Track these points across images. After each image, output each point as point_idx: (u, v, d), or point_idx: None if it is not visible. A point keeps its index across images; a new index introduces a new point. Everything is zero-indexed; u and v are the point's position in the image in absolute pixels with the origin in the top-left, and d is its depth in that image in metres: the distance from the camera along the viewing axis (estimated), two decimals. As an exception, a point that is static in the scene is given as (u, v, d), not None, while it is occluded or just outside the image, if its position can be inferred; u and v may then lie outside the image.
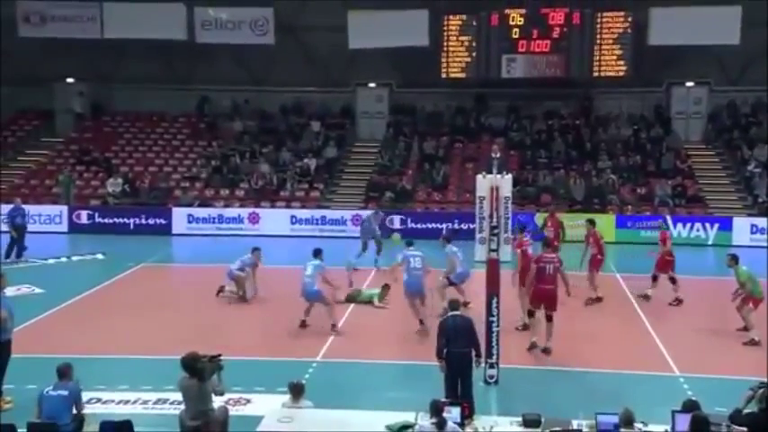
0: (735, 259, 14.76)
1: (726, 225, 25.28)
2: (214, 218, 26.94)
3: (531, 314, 14.36)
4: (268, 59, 31.97)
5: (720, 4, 27.64)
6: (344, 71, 31.95)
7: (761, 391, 9.53)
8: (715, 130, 30.38)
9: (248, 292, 17.69)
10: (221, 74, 32.30)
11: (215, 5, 30.70)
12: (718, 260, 21.83)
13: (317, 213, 26.98)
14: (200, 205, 27.75)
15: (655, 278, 17.84)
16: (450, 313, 11.64)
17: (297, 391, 10.11)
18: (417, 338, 15.29)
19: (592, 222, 19.17)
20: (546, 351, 13.92)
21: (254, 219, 26.70)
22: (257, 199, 28.17)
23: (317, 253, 15.94)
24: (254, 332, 15.71)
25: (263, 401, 11.39)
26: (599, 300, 17.60)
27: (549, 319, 13.98)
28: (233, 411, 10.71)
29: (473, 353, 11.24)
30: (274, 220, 26.72)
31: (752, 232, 24.95)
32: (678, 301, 17.43)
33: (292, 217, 26.89)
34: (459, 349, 11.20)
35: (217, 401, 9.90)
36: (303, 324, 15.44)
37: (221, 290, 17.76)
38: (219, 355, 9.85)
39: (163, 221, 27.00)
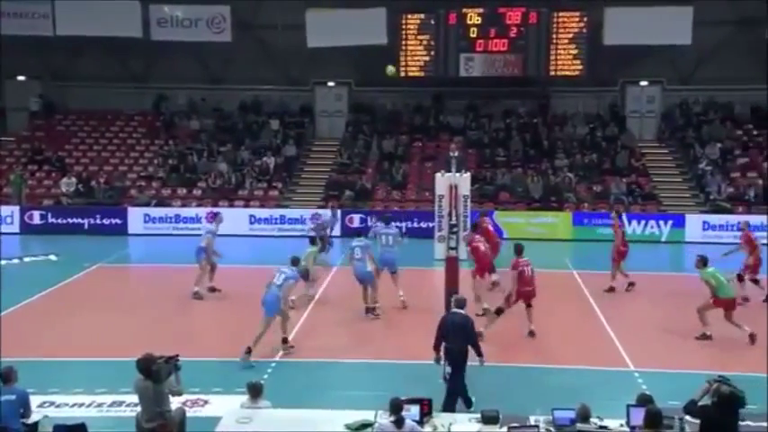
0: (703, 261, 14.89)
1: (679, 222, 25.66)
2: (171, 217, 26.63)
3: (499, 312, 14.49)
4: (226, 57, 31.74)
5: (672, 5, 28.01)
6: (303, 69, 31.81)
7: (715, 384, 9.70)
8: (668, 129, 30.85)
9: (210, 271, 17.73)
10: (178, 72, 31.99)
11: (171, 3, 30.30)
12: (671, 256, 22.29)
13: (276, 212, 26.84)
14: (156, 205, 27.42)
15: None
16: (453, 311, 11.73)
17: (255, 391, 10.04)
18: (376, 336, 15.32)
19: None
20: (531, 334, 14.62)
21: (212, 218, 26.37)
22: (215, 198, 27.92)
23: (296, 262, 14.96)
24: (212, 332, 15.63)
25: (221, 402, 11.30)
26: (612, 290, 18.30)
27: (529, 305, 14.69)
28: (190, 412, 10.62)
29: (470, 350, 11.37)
30: (233, 219, 26.27)
31: (704, 229, 25.35)
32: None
33: (251, 216, 26.72)
34: (456, 346, 11.36)
35: (174, 402, 9.80)
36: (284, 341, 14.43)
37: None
38: (177, 356, 9.74)
39: (118, 221, 26.65)
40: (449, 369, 12.36)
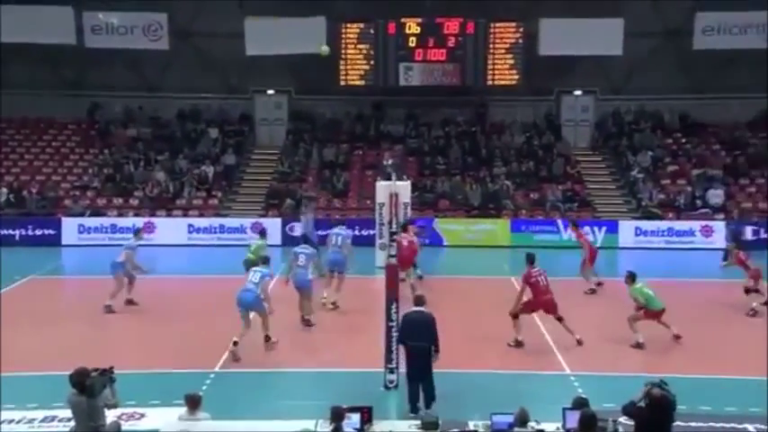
0: (631, 278, 15.22)
1: (612, 228, 26.08)
2: (107, 227, 26.06)
3: (516, 316, 14.89)
4: (163, 65, 31.31)
5: (604, 17, 28.58)
6: (242, 77, 31.60)
7: (647, 387, 9.89)
8: (601, 137, 31.41)
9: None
10: (113, 79, 31.37)
11: (105, 10, 29.74)
12: (605, 262, 22.62)
13: (216, 222, 26.56)
14: (91, 215, 26.82)
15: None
16: (413, 309, 11.82)
17: (193, 403, 9.85)
18: (318, 345, 15.24)
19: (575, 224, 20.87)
20: (579, 342, 14.72)
21: (149, 228, 25.89)
22: (153, 207, 27.45)
23: (266, 260, 15.43)
24: (149, 344, 15.27)
25: (158, 415, 11.03)
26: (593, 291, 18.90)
27: (560, 320, 14.83)
28: (126, 426, 10.40)
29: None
30: (171, 229, 26.10)
31: (636, 234, 25.95)
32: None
33: (190, 226, 26.38)
34: (417, 343, 11.45)
35: (109, 416, 9.58)
36: (267, 338, 14.71)
37: None
38: (111, 368, 9.52)
39: (52, 232, 26.01)
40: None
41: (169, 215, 27.09)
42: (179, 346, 14.96)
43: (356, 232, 24.90)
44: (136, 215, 26.83)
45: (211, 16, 30.25)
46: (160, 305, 17.58)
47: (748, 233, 24.79)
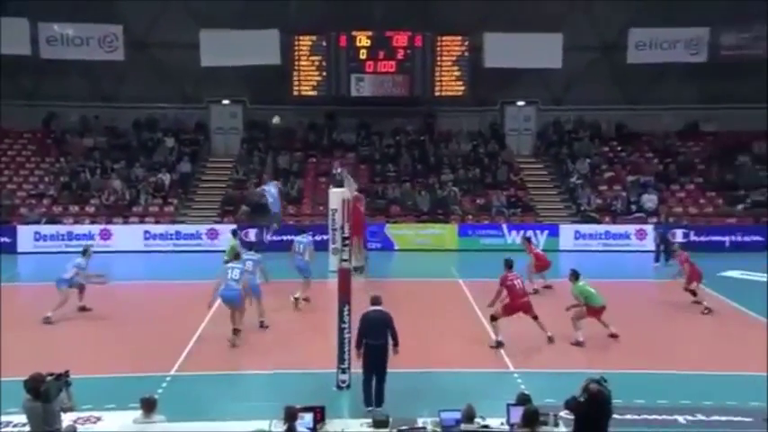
0: (574, 276, 15.49)
1: (554, 231, 26.38)
2: (63, 235, 25.49)
3: (495, 319, 14.96)
4: (119, 75, 30.79)
5: (544, 32, 28.97)
6: (198, 88, 31.28)
7: (585, 383, 10.03)
8: (543, 145, 31.78)
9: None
10: (69, 89, 30.78)
11: (61, 21, 29.14)
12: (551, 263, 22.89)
13: (172, 228, 26.19)
14: (47, 222, 26.23)
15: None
16: (371, 308, 11.85)
17: (148, 405, 9.70)
18: (272, 348, 15.11)
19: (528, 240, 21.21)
20: (550, 340, 14.90)
21: (105, 235, 25.57)
22: (109, 215, 26.98)
23: (238, 256, 15.97)
24: (105, 349, 14.99)
25: (113, 418, 10.77)
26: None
27: (535, 318, 15.02)
28: (82, 429, 10.16)
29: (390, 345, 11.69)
30: (127, 235, 25.69)
31: (575, 238, 26.29)
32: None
33: (146, 232, 25.98)
34: (376, 341, 11.53)
35: (65, 420, 9.37)
36: (236, 331, 14.97)
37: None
38: (67, 372, 9.33)
39: (7, 240, 25.33)
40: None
41: (125, 222, 26.66)
42: (135, 351, 14.72)
43: (310, 237, 24.97)
44: (92, 222, 26.37)
45: (167, 28, 29.91)
46: (116, 310, 17.28)
47: (678, 236, 25.30)
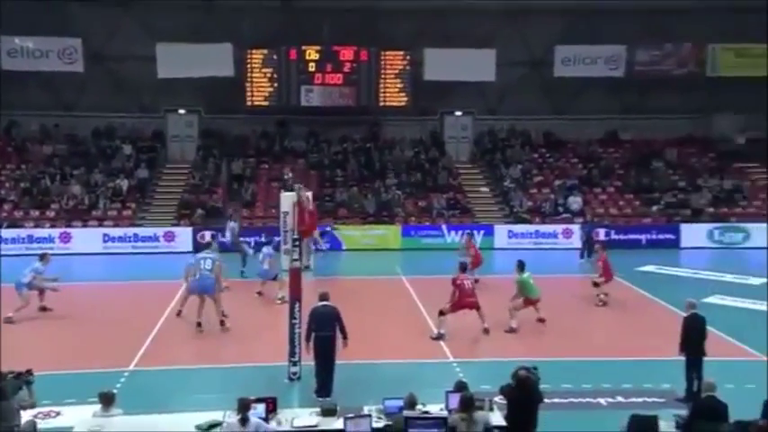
0: (520, 267, 15.92)
1: (489, 231, 26.53)
2: (23, 238, 24.71)
3: (442, 314, 15.07)
4: (78, 86, 30.04)
5: (479, 48, 29.20)
6: (155, 98, 30.70)
7: (515, 370, 10.17)
8: (479, 152, 31.98)
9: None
10: (30, 99, 29.83)
11: (22, 35, 28.28)
12: (484, 261, 23.09)
13: (130, 231, 25.65)
14: (8, 227, 25.38)
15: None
16: (319, 303, 11.94)
17: (106, 400, 9.50)
18: (226, 343, 14.94)
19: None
20: (486, 331, 15.06)
21: (65, 238, 24.93)
22: (69, 219, 26.27)
23: (209, 245, 16.32)
24: (65, 346, 14.64)
25: (73, 413, 10.60)
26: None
27: (478, 309, 15.15)
28: (42, 424, 9.95)
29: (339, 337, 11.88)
30: (86, 238, 25.06)
31: (509, 237, 26.51)
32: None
33: (105, 235, 25.38)
34: (324, 333, 11.64)
35: (26, 416, 9.13)
36: (199, 324, 15.19)
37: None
38: (29, 371, 9.11)
39: (-33, 244, 24.50)
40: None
41: (85, 226, 25.97)
42: (94, 348, 14.43)
43: (263, 239, 24.72)
44: (52, 226, 25.65)
45: (124, 41, 29.30)
46: (76, 310, 16.86)
47: (601, 234, 25.79)
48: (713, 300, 18.25)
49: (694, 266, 23.14)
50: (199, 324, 15.25)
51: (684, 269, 22.90)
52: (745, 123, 31.91)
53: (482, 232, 26.40)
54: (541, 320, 15.73)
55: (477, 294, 15.42)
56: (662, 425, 10.00)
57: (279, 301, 17.45)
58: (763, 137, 31.60)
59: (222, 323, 15.35)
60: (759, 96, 30.61)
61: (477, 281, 19.50)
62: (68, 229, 25.31)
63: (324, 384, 11.70)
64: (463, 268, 15.74)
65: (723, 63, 30.25)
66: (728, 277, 21.30)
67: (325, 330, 11.72)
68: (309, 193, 22.54)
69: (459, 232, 25.88)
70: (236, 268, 19.70)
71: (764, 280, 21.22)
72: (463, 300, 15.04)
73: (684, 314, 12.27)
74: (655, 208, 28.37)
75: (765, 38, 29.51)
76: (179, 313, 16.21)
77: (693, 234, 26.71)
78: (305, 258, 19.35)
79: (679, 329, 12.02)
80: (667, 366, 12.61)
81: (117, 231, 25.60)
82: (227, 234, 21.93)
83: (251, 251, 21.23)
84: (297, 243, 13.69)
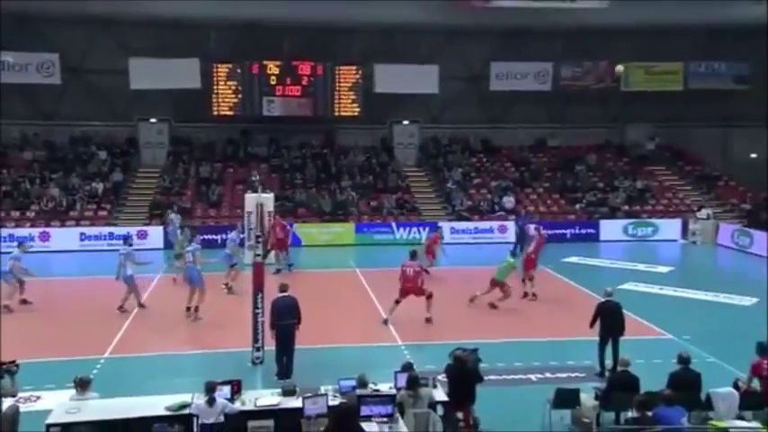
0: (513, 254, 16.60)
1: (434, 228, 26.35)
2: (5, 237, 23.70)
3: (398, 302, 14.97)
4: (56, 97, 29.20)
5: (423, 64, 29.35)
6: (128, 107, 30.03)
7: (453, 351, 10.27)
8: (424, 157, 32.12)
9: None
10: (11, 109, 28.69)
11: (2, 50, 27.18)
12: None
13: (105, 230, 25.00)
14: (-10, 226, 24.64)
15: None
16: (280, 294, 11.83)
17: (83, 384, 9.29)
18: (195, 332, 14.73)
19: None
20: (428, 320, 14.83)
21: (44, 237, 24.21)
22: (48, 219, 25.52)
23: (194, 237, 16.24)
24: (45, 336, 14.24)
25: (52, 397, 10.32)
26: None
27: (428, 297, 14.90)
28: (24, 408, 9.64)
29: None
30: (64, 237, 24.38)
31: (451, 233, 26.56)
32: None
33: (81, 234, 24.72)
34: (285, 322, 11.57)
35: (8, 402, 8.85)
36: (189, 309, 15.19)
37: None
38: (14, 362, 8.87)
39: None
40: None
41: (63, 225, 25.26)
42: (72, 337, 14.09)
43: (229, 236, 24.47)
44: (32, 226, 24.88)
45: (99, 56, 28.60)
46: (54, 303, 16.47)
47: (531, 230, 26.10)
48: (628, 286, 18.70)
49: (612, 257, 23.69)
50: (188, 309, 15.26)
51: (603, 260, 23.39)
52: (653, 131, 32.82)
53: (428, 229, 26.40)
54: (493, 306, 16.02)
55: (428, 285, 15.46)
56: (583, 397, 10.24)
57: (223, 287, 17.35)
58: (669, 143, 32.59)
59: (195, 310, 15.24)
60: (666, 108, 31.65)
61: (426, 271, 19.50)
62: (47, 229, 24.59)
63: (284, 368, 11.65)
64: (412, 255, 15.48)
65: (635, 79, 30.98)
66: (641, 266, 21.77)
67: (285, 319, 11.66)
68: (271, 195, 22.58)
69: (408, 228, 26.19)
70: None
71: (671, 268, 21.95)
72: (404, 285, 14.92)
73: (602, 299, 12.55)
74: (577, 206, 28.83)
75: (671, 57, 30.47)
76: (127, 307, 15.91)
77: (610, 229, 27.20)
78: (278, 263, 19.52)
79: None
80: (588, 346, 12.82)
81: (93, 230, 24.96)
82: (170, 227, 21.74)
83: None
84: (259, 239, 13.53)
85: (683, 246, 26.59)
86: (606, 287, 12.78)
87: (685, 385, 9.97)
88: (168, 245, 22.77)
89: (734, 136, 32.91)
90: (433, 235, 21.60)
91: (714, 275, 21.68)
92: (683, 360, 10.30)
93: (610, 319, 12.05)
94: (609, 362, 11.95)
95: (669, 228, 27.42)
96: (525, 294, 17.36)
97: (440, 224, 25.05)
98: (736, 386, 10.29)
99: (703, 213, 27.51)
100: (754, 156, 33.10)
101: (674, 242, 26.90)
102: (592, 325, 12.20)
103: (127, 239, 17.21)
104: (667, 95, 30.91)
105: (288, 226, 19.92)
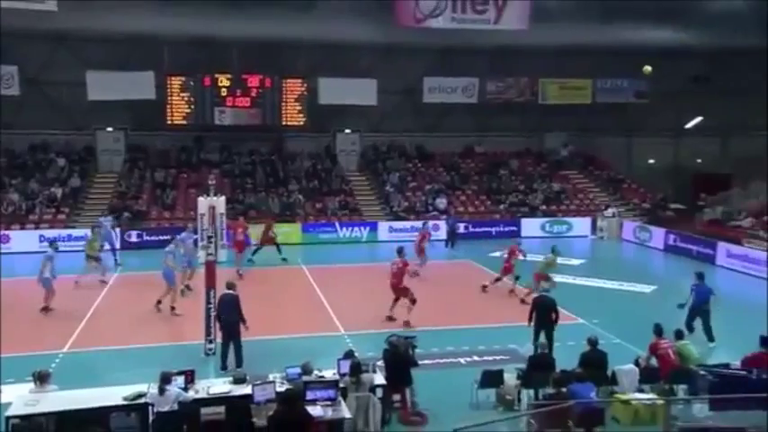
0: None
1: (374, 227, 26.63)
2: (-33, 240, 22.83)
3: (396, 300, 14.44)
4: (16, 107, 27.63)
5: (363, 78, 29.22)
6: (86, 117, 28.84)
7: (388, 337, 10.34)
8: (365, 163, 32.03)
9: None
10: (-31, 117, 27.49)
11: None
12: (369, 252, 23.27)
13: (64, 232, 23.92)
14: (-49, 230, 23.35)
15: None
16: (226, 291, 11.60)
17: (42, 378, 8.95)
18: (150, 326, 14.32)
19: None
20: (406, 323, 13.99)
21: (5, 239, 23.09)
22: (8, 222, 24.32)
23: (173, 239, 16.09)
24: (5, 333, 13.57)
25: (12, 390, 9.83)
26: None
27: (412, 302, 14.15)
28: (-16, 403, 9.19)
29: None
30: (24, 239, 23.27)
31: (389, 231, 26.55)
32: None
33: (41, 236, 23.54)
34: (227, 317, 11.42)
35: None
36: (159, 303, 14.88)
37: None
38: None
39: None
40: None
41: (22, 228, 24.16)
42: (32, 334, 13.51)
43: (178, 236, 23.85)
44: (-8, 229, 23.74)
45: (57, 68, 27.38)
46: (15, 301, 15.68)
47: (461, 228, 26.54)
48: (545, 277, 19.13)
49: (531, 252, 24.00)
50: (172, 308, 14.89)
51: None
52: (567, 140, 33.70)
53: (368, 228, 26.51)
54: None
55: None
56: (506, 377, 10.49)
57: (183, 288, 16.74)
58: (580, 151, 33.56)
59: (157, 304, 14.98)
60: (578, 119, 32.61)
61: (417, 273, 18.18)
62: (7, 232, 23.45)
63: (235, 359, 11.40)
64: (398, 252, 14.90)
65: (550, 93, 31.80)
66: (557, 260, 22.26)
67: (229, 315, 11.43)
68: (222, 198, 22.18)
69: (350, 228, 26.08)
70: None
71: (582, 261, 22.60)
72: (390, 281, 14.45)
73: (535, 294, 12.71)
74: (501, 206, 29.23)
75: (581, 75, 31.43)
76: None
77: (530, 226, 27.69)
78: (238, 266, 19.08)
79: (520, 303, 12.42)
80: (512, 331, 13.13)
81: (52, 232, 23.75)
82: (106, 227, 21.06)
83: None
84: (211, 239, 13.27)
85: (593, 241, 27.41)
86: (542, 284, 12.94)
87: (594, 364, 10.34)
88: (125, 245, 22.11)
89: (635, 144, 34.19)
90: (421, 233, 20.77)
91: (619, 266, 22.36)
92: (592, 342, 10.68)
93: (544, 313, 12.06)
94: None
95: (581, 225, 28.20)
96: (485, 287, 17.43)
97: (429, 222, 23.85)
98: (636, 363, 10.75)
99: (609, 212, 28.44)
100: (652, 161, 34.56)
101: (584, 237, 27.70)
102: (530, 319, 12.08)
103: (52, 243, 16.56)
104: (578, 108, 31.81)
105: (247, 228, 19.43)
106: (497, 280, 17.44)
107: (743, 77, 30.12)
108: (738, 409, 9.40)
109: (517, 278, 16.87)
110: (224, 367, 11.10)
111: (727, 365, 10.76)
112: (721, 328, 13.30)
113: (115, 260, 20.52)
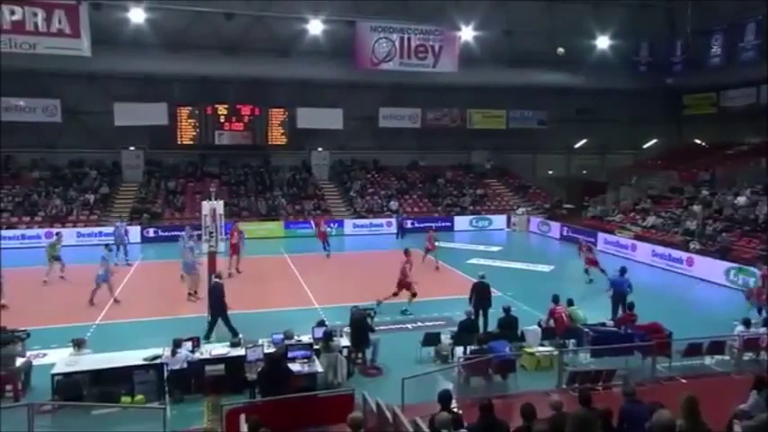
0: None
1: (341, 224, 26.52)
2: (18, 236, 21.98)
3: (414, 294, 13.28)
4: (58, 131, 26.81)
5: (331, 108, 29.07)
6: (113, 139, 27.97)
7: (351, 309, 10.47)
8: (334, 174, 31.74)
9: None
10: (23, 140, 26.31)
11: (14, 96, 24.99)
12: (336, 244, 23.14)
13: (96, 229, 23.42)
14: (7, 228, 22.47)
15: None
16: (215, 280, 11.35)
17: (79, 343, 8.91)
18: (169, 304, 14.12)
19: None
20: (378, 302, 12.85)
21: (49, 235, 22.22)
22: (51, 222, 23.58)
23: (192, 237, 15.59)
24: (52, 308, 13.26)
25: (56, 354, 9.76)
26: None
27: (413, 295, 13.14)
28: (35, 362, 9.07)
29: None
30: (65, 235, 22.31)
31: (353, 227, 26.54)
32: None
33: (78, 233, 23.02)
34: (214, 302, 11.12)
35: (20, 360, 8.33)
36: (190, 294, 14.01)
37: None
38: (25, 330, 8.37)
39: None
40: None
41: (63, 226, 23.33)
42: (71, 309, 13.21)
43: (192, 233, 23.38)
44: (39, 227, 22.94)
45: (91, 101, 26.64)
46: (59, 282, 15.30)
47: (408, 223, 26.77)
48: (473, 261, 19.34)
49: (462, 242, 24.42)
50: (189, 294, 14.11)
51: (457, 243, 23.87)
52: (489, 156, 34.23)
53: (336, 225, 26.40)
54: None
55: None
56: (442, 338, 10.79)
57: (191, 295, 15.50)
58: (498, 164, 34.16)
59: (189, 295, 14.10)
60: (496, 140, 33.23)
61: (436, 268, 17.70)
62: (51, 230, 22.64)
63: (229, 330, 10.98)
64: (405, 252, 13.76)
65: (476, 120, 32.24)
66: (481, 247, 22.51)
67: (212, 298, 11.17)
68: (221, 202, 21.91)
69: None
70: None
71: (500, 248, 23.08)
72: (401, 279, 13.30)
73: (474, 280, 12.34)
74: (439, 207, 29.41)
75: (498, 106, 32.06)
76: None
77: (461, 222, 27.98)
78: (233, 266, 18.43)
79: (455, 281, 12.45)
80: (447, 303, 13.31)
81: (87, 230, 23.32)
82: (119, 230, 20.16)
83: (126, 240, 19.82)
84: (212, 234, 13.21)
85: (508, 233, 27.90)
86: (480, 272, 12.59)
87: (508, 326, 10.75)
88: (146, 240, 21.59)
89: (538, 159, 35.02)
90: (430, 233, 19.04)
91: (527, 252, 22.80)
92: (506, 310, 11.10)
93: (481, 295, 11.78)
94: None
95: (499, 221, 28.60)
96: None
97: (433, 225, 23.14)
98: (539, 325, 11.20)
99: (520, 211, 29.08)
100: (551, 172, 35.51)
101: (501, 230, 28.17)
102: (470, 300, 11.61)
103: (107, 246, 16.01)
104: (497, 132, 32.43)
105: (242, 232, 18.68)
106: (424, 257, 17.58)
107: (615, 110, 31.33)
108: (611, 356, 9.95)
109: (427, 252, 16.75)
110: (207, 337, 10.77)
111: (603, 324, 11.29)
112: (601, 296, 13.83)
113: (126, 259, 19.11)
